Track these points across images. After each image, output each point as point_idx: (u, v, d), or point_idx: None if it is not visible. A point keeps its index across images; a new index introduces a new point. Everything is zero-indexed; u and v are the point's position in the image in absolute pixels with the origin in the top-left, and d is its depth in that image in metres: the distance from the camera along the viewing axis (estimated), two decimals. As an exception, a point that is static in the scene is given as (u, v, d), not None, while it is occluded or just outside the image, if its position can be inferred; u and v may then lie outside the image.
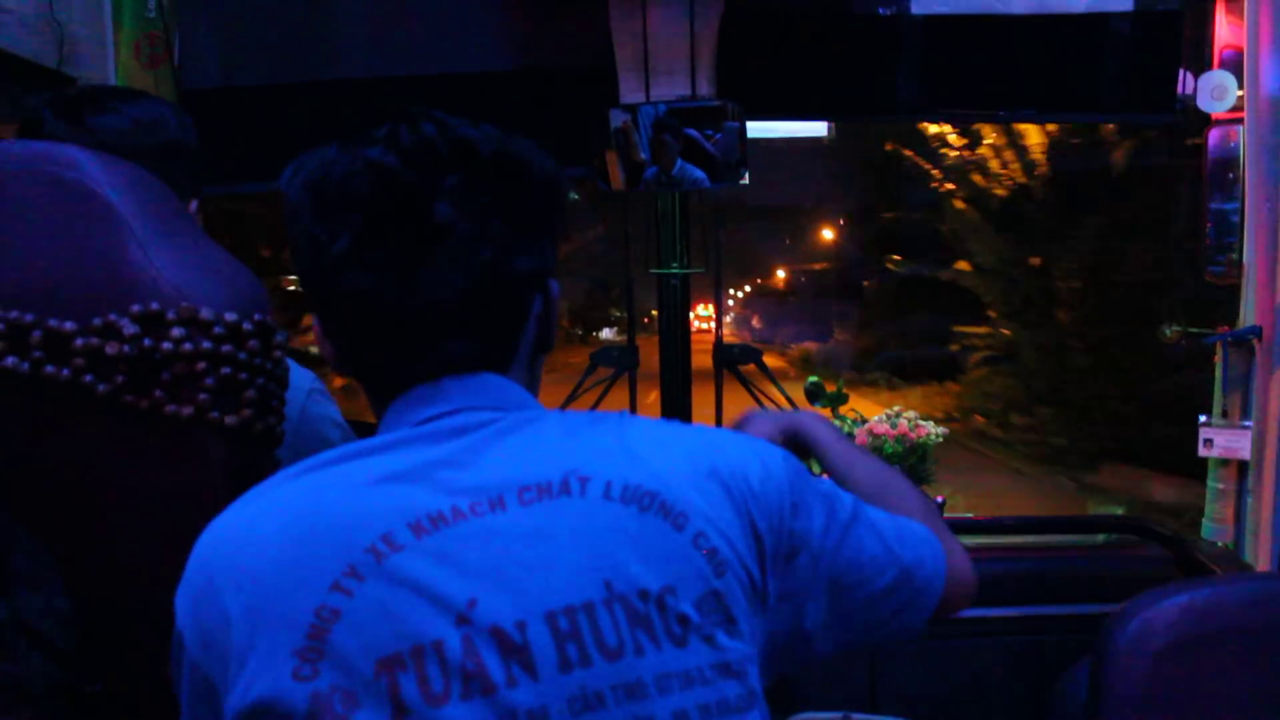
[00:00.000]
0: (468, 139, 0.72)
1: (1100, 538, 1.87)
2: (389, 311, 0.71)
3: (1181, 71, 2.00)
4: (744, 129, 1.98)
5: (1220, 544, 1.85)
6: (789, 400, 2.37)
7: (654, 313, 2.20)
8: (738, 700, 0.66)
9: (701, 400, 2.24)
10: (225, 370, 0.85)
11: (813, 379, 2.29)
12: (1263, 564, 1.77)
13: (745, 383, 2.25)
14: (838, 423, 2.14)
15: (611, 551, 0.66)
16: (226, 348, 0.85)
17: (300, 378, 1.17)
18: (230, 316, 0.85)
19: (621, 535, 0.66)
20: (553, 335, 0.81)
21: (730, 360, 2.25)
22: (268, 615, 0.62)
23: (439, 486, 0.67)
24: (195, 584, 0.66)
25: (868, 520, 0.80)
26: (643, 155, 2.03)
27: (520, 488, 0.67)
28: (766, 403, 2.34)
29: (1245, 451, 1.82)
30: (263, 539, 0.65)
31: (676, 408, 2.20)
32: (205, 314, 0.84)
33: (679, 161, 2.03)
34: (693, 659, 0.65)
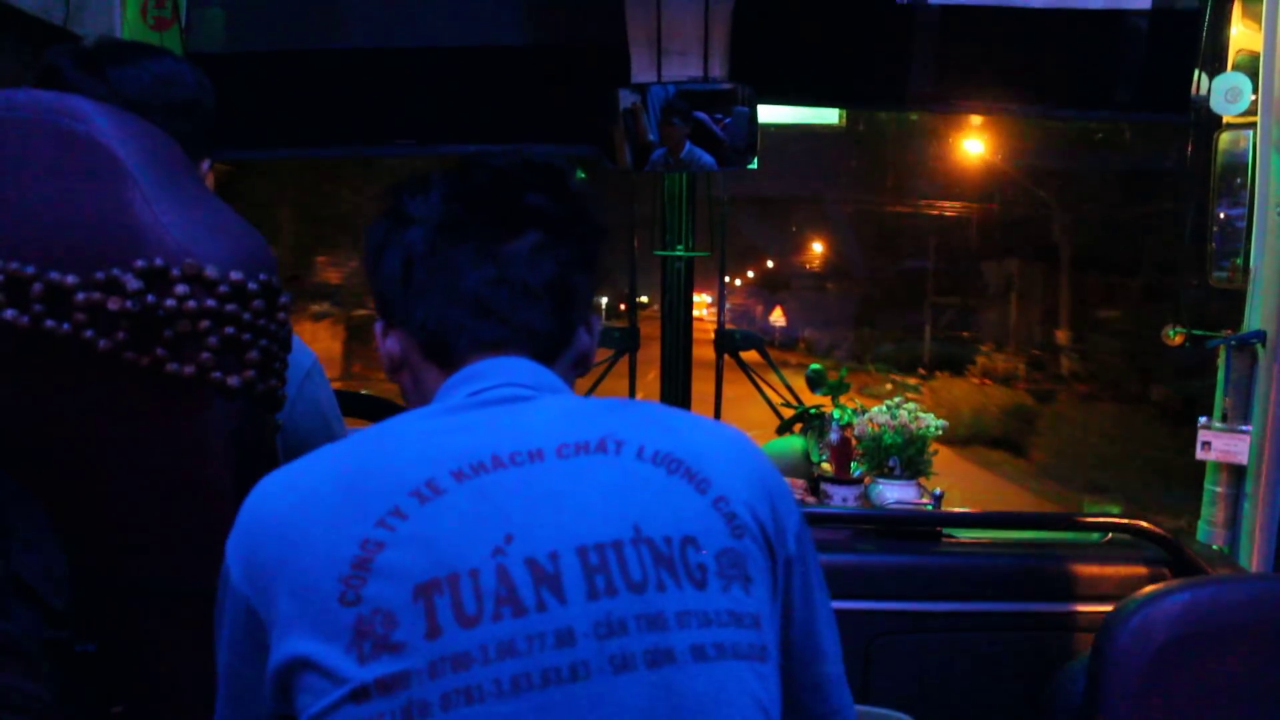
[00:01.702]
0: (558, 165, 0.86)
1: (1095, 536, 1.87)
2: (475, 283, 0.79)
3: (1196, 73, 1.98)
4: (755, 114, 1.97)
5: (1215, 547, 1.85)
6: (791, 391, 2.36)
7: (642, 299, 2.18)
8: (750, 649, 0.71)
9: (700, 388, 2.23)
10: (229, 330, 0.83)
11: (814, 365, 2.27)
12: (1257, 567, 1.77)
13: (746, 370, 2.24)
14: (838, 413, 2.12)
15: (640, 502, 0.72)
16: (231, 307, 0.83)
17: (301, 356, 1.16)
18: (236, 275, 0.84)
19: (649, 491, 0.73)
20: (590, 364, 0.90)
21: (732, 346, 2.23)
22: (315, 549, 0.68)
23: (481, 440, 0.73)
24: (244, 525, 0.72)
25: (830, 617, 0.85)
26: (651, 137, 2.01)
27: (559, 444, 0.73)
28: (768, 390, 2.33)
29: (1243, 456, 1.82)
30: (312, 483, 0.72)
31: (676, 393, 2.18)
32: (210, 272, 0.82)
33: (687, 144, 2.02)
34: (710, 603, 0.70)
